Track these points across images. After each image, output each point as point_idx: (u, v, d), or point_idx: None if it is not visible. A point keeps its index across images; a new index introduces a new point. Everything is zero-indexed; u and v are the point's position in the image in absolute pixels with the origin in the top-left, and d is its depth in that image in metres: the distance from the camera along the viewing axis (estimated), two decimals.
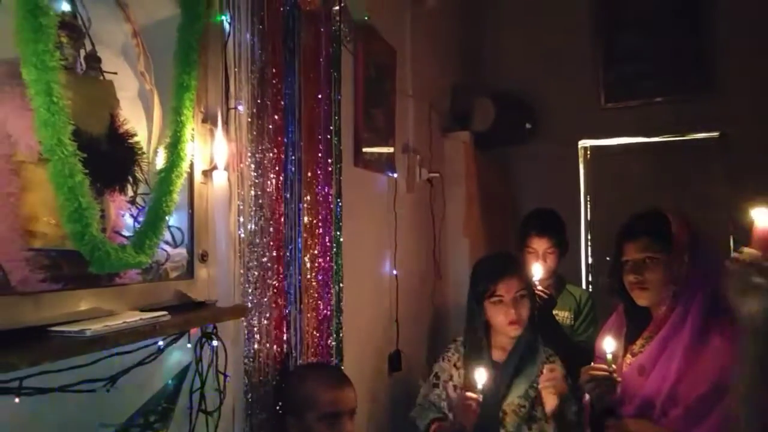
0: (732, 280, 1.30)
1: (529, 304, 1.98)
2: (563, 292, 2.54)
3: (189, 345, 1.40)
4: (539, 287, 2.28)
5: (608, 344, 1.66)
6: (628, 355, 1.74)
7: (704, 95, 3.70)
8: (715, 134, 3.70)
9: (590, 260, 3.96)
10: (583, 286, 3.85)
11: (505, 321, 1.92)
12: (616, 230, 1.83)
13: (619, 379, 1.65)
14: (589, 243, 3.97)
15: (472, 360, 1.98)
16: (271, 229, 1.67)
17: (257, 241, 1.62)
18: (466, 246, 3.32)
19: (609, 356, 1.64)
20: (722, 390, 1.51)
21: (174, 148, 1.28)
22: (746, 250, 1.30)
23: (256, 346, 1.61)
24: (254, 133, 1.62)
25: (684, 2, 3.78)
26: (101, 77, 1.25)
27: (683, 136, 3.79)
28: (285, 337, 1.73)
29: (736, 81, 3.58)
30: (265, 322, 1.64)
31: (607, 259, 3.66)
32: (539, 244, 2.49)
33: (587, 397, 1.77)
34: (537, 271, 2.30)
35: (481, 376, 1.82)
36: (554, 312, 2.41)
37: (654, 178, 3.76)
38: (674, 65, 3.79)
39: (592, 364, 1.75)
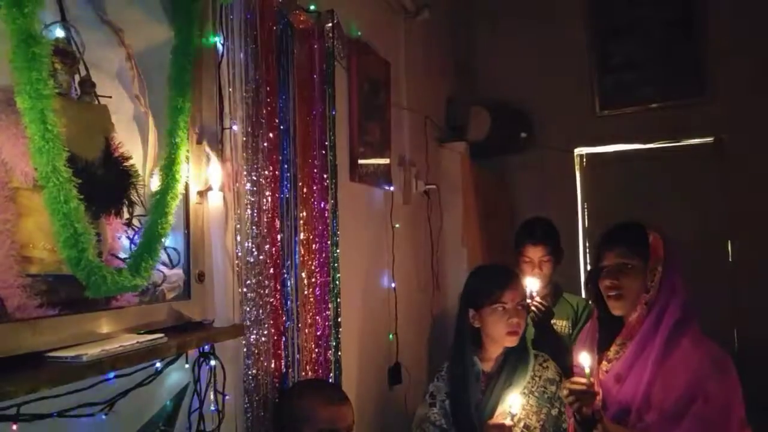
0: None
1: (526, 316, 1.98)
2: (560, 301, 2.55)
3: (187, 365, 1.41)
4: (537, 299, 2.29)
5: (585, 358, 1.69)
6: (604, 362, 1.78)
7: (699, 101, 3.72)
8: (710, 139, 3.71)
9: (588, 267, 3.96)
10: (582, 293, 3.85)
11: (504, 330, 1.91)
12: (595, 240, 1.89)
13: (599, 390, 1.69)
14: (587, 250, 3.98)
15: (458, 368, 1.98)
16: (268, 247, 1.67)
17: (254, 259, 1.62)
18: (464, 257, 3.32)
19: (587, 370, 1.67)
20: (694, 392, 1.57)
21: (169, 170, 1.29)
22: None
23: (254, 364, 1.61)
24: (249, 152, 1.63)
25: (678, 10, 3.81)
26: (96, 102, 1.26)
27: (679, 142, 3.81)
28: (283, 355, 1.73)
29: (731, 86, 3.60)
30: (264, 340, 1.64)
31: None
32: (534, 253, 2.50)
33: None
34: (533, 284, 2.30)
35: (516, 401, 1.82)
36: (552, 321, 2.41)
37: (650, 184, 3.77)
38: (668, 72, 3.81)
39: (573, 378, 1.77)
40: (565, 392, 1.70)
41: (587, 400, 1.66)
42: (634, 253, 1.75)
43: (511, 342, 1.93)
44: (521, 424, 1.87)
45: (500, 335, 1.93)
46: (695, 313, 1.72)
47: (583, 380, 1.67)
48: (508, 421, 1.78)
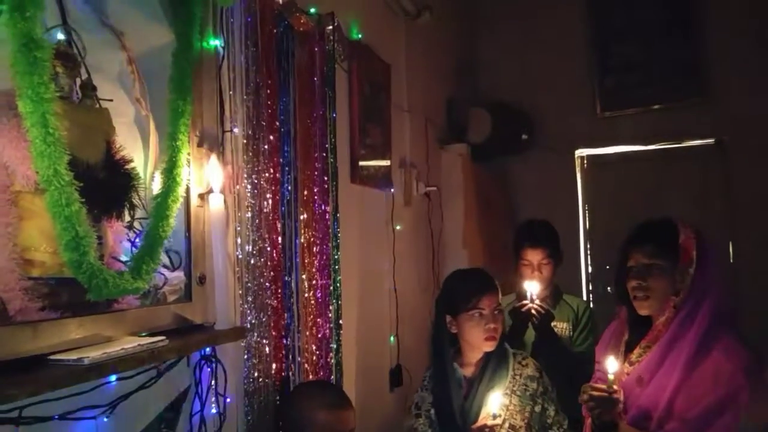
0: None
1: (503, 320, 1.96)
2: (560, 303, 2.54)
3: (188, 368, 1.41)
4: (536, 302, 2.28)
5: (611, 364, 1.63)
6: (626, 364, 1.72)
7: (700, 102, 3.72)
8: (711, 141, 3.72)
9: (589, 269, 3.96)
10: (583, 295, 3.85)
11: (482, 336, 1.90)
12: (621, 238, 1.81)
13: (621, 398, 1.63)
14: (588, 252, 3.98)
15: (440, 377, 1.97)
16: (269, 249, 1.68)
17: (255, 261, 1.63)
18: (465, 258, 3.32)
19: (611, 376, 1.61)
20: (721, 405, 1.50)
21: (170, 173, 1.30)
22: None
23: (255, 367, 1.61)
24: (250, 154, 1.64)
25: (678, 11, 3.82)
26: (97, 105, 1.26)
27: (680, 143, 3.81)
28: (284, 357, 1.73)
29: (731, 87, 3.60)
30: (265, 342, 1.64)
31: (607, 267, 3.59)
32: (534, 256, 2.49)
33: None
34: (534, 287, 2.29)
35: (495, 400, 1.80)
36: (552, 324, 2.40)
37: (651, 185, 3.77)
38: (669, 73, 3.82)
39: (593, 382, 1.73)
40: (585, 397, 1.65)
41: (609, 408, 1.60)
42: (663, 252, 1.66)
43: (489, 347, 1.92)
44: (506, 425, 1.86)
45: (478, 341, 1.92)
46: (731, 319, 1.64)
47: (605, 386, 1.61)
48: (490, 422, 1.76)
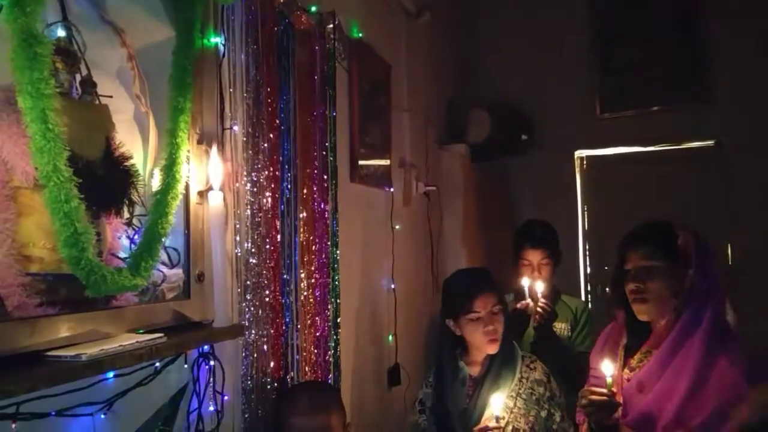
0: None
1: (503, 318, 1.93)
2: (559, 303, 2.55)
3: (186, 365, 1.41)
4: (541, 301, 2.28)
5: (607, 368, 1.61)
6: (626, 370, 1.70)
7: (700, 104, 3.73)
8: (710, 143, 3.72)
9: (588, 270, 3.97)
10: (581, 296, 3.85)
11: (484, 339, 1.88)
12: (620, 239, 1.79)
13: (620, 401, 1.61)
14: (587, 253, 3.98)
15: (445, 377, 1.96)
16: (268, 247, 1.67)
17: (253, 259, 1.62)
18: (463, 258, 3.33)
19: (609, 380, 1.59)
20: (725, 413, 1.49)
21: (169, 170, 1.30)
22: None
23: (253, 365, 1.61)
24: (249, 152, 1.64)
25: (678, 14, 3.82)
26: (97, 101, 1.26)
27: (679, 145, 3.82)
28: (282, 355, 1.73)
29: (731, 90, 3.60)
30: (263, 340, 1.64)
31: (605, 268, 3.59)
32: (533, 256, 2.50)
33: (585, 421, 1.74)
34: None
35: (498, 402, 1.78)
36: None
37: (650, 187, 3.78)
38: (669, 75, 3.82)
39: (592, 387, 1.70)
40: (584, 402, 1.63)
41: (608, 412, 1.59)
42: (661, 254, 1.63)
43: (492, 349, 1.90)
44: (509, 428, 1.84)
45: (480, 343, 1.91)
46: (731, 325, 1.61)
47: (604, 390, 1.59)
48: (492, 424, 1.74)
